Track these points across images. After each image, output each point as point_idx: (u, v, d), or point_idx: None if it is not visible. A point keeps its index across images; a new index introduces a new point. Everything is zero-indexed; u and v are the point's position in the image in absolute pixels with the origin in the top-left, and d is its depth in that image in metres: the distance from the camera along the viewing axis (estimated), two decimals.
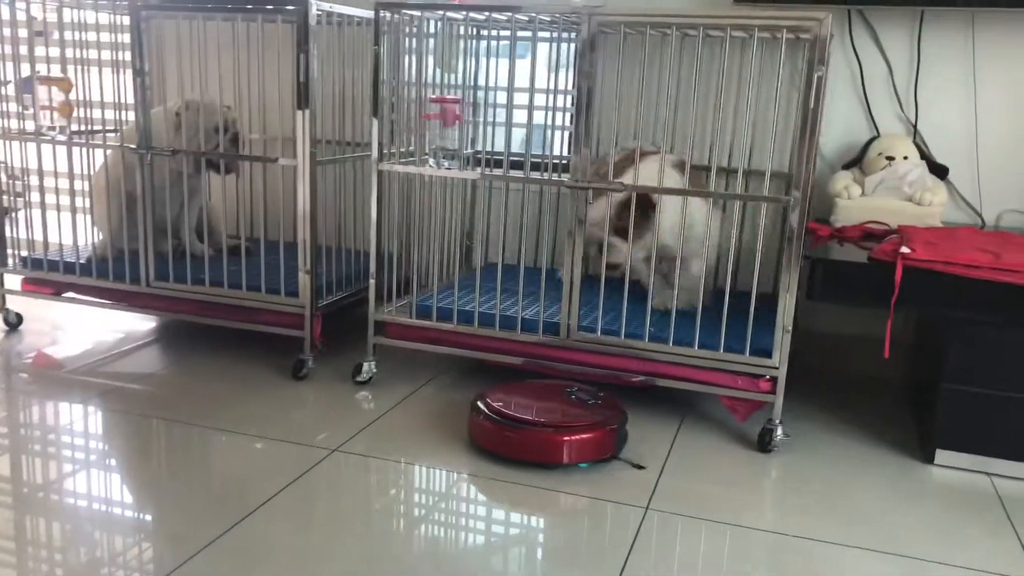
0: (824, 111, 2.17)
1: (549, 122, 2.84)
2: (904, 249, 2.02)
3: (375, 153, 2.35)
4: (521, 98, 2.47)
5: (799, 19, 2.02)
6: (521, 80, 2.38)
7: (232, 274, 2.54)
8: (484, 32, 2.70)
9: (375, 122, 2.33)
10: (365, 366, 2.44)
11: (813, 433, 2.27)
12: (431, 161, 2.32)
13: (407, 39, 2.37)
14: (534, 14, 2.23)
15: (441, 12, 2.34)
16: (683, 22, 2.18)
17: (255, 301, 2.49)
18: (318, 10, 2.34)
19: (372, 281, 2.41)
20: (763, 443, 2.15)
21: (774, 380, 2.13)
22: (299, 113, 2.34)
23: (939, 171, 2.47)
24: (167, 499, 1.79)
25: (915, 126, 2.59)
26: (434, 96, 2.30)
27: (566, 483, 1.93)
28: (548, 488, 1.91)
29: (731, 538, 1.74)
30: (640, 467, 2.02)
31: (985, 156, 2.56)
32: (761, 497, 1.92)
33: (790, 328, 2.10)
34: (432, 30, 2.47)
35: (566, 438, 1.98)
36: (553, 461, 1.99)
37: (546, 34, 2.76)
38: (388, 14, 2.29)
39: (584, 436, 1.99)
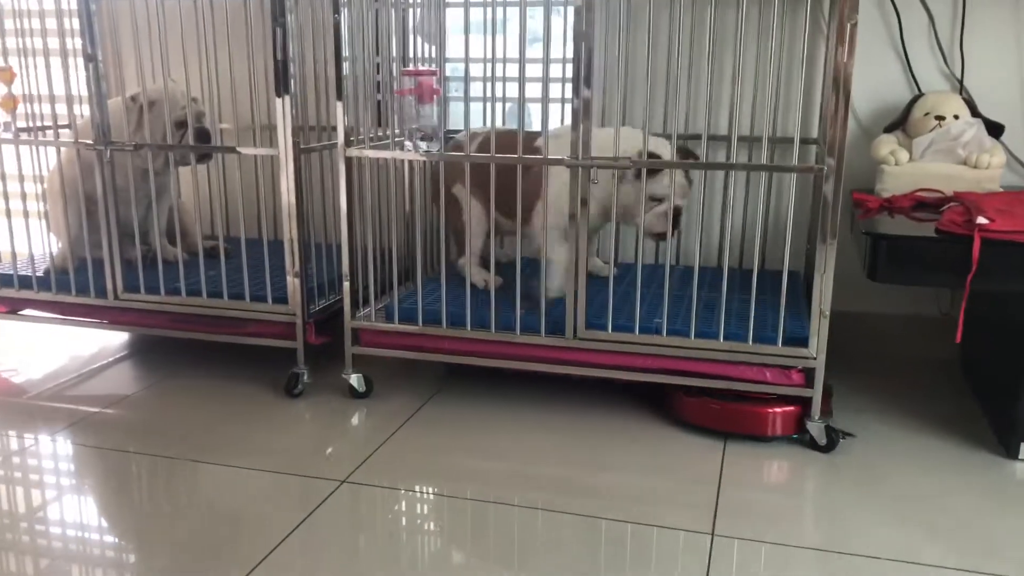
0: (856, 67, 1.91)
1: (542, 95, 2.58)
2: (981, 220, 1.77)
3: (341, 138, 2.06)
4: (511, 71, 2.17)
5: None
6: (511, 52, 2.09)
7: (211, 281, 2.26)
8: None
9: (339, 103, 2.04)
10: (354, 379, 2.17)
11: (869, 427, 2.04)
12: (407, 143, 2.04)
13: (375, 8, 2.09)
14: None
15: None
16: None
17: (239, 311, 2.21)
18: None
19: (346, 284, 2.14)
20: (815, 445, 1.91)
21: (809, 372, 1.89)
22: (279, 100, 2.06)
23: (994, 130, 2.23)
24: (152, 555, 1.52)
25: (961, 81, 2.35)
26: (408, 69, 2.01)
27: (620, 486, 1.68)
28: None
29: (806, 563, 1.50)
30: (850, 435, 1.94)
31: None
32: (829, 509, 1.68)
33: (828, 313, 1.86)
34: None
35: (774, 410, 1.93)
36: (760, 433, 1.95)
37: None
38: None
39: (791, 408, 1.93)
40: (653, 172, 1.98)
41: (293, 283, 2.15)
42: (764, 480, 1.78)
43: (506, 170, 2.01)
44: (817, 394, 1.89)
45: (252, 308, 2.20)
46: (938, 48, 2.35)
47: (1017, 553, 1.53)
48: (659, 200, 2.04)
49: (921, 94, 2.30)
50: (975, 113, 2.25)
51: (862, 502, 1.70)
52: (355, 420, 2.07)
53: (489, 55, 2.11)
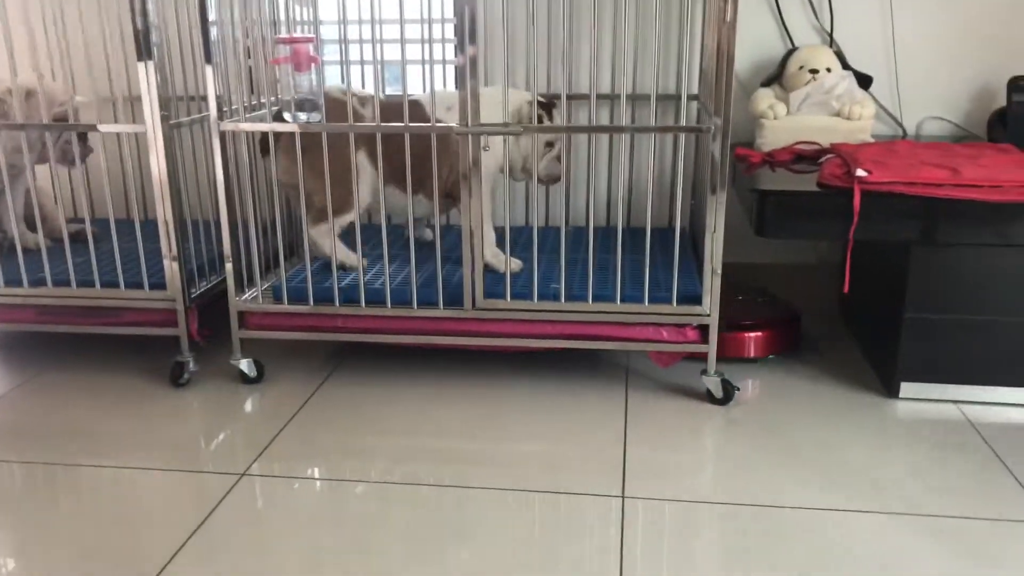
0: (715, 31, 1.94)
1: (426, 58, 2.51)
2: (860, 172, 1.83)
3: (213, 111, 1.94)
4: (391, 32, 2.09)
5: None
6: (390, 11, 2.00)
7: (80, 268, 2.10)
8: None
9: (209, 72, 1.92)
10: (244, 364, 2.08)
11: (759, 378, 2.11)
12: (285, 115, 1.94)
13: None
14: None
15: None
16: None
17: (113, 299, 2.07)
18: None
19: (228, 265, 2.03)
20: (712, 398, 1.96)
21: (704, 328, 1.94)
22: (141, 66, 1.91)
23: (864, 82, 2.31)
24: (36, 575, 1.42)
25: (831, 35, 2.41)
26: (282, 36, 1.91)
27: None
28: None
29: (714, 518, 1.54)
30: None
31: (903, 62, 2.42)
32: (731, 463, 1.73)
33: (719, 270, 1.90)
34: None
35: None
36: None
37: None
38: None
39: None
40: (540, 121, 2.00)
41: (171, 267, 2.02)
42: (667, 438, 1.82)
43: (419, 140, 1.94)
44: (712, 349, 1.93)
45: (128, 296, 2.06)
46: (808, 2, 2.41)
47: (904, 491, 1.61)
48: (551, 145, 2.11)
49: (795, 48, 2.36)
50: (845, 66, 2.33)
51: (760, 453, 1.75)
52: (248, 407, 1.98)
53: (366, 16, 2.02)
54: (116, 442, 1.82)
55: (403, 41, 1.87)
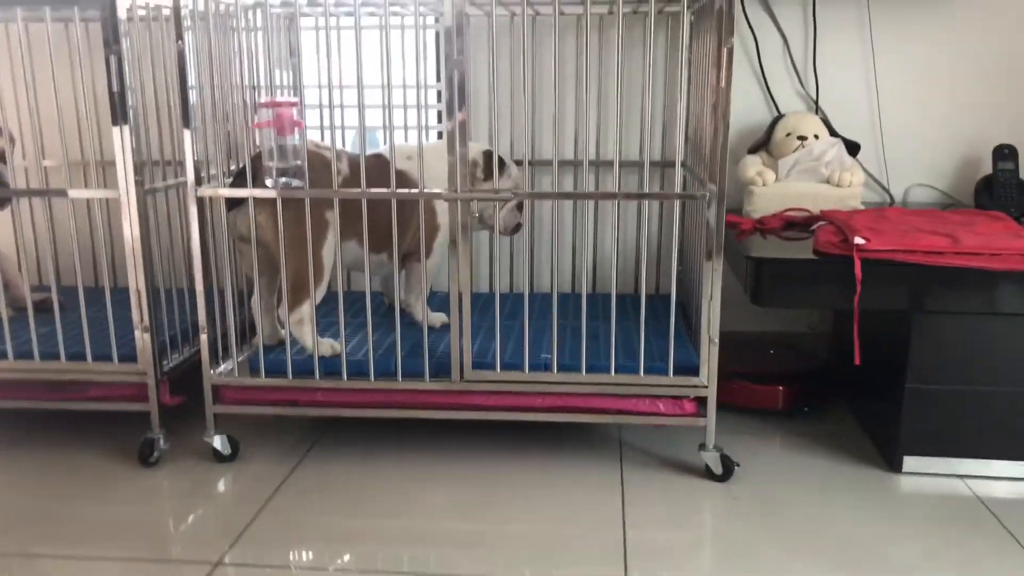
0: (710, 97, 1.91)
1: (412, 123, 2.47)
2: (858, 240, 1.80)
3: (191, 177, 1.86)
4: (374, 97, 2.06)
5: None
6: (372, 78, 1.95)
7: (44, 339, 1.99)
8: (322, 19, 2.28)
9: (188, 137, 1.84)
10: (218, 441, 1.97)
11: (756, 451, 2.03)
12: (267, 180, 1.87)
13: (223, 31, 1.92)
14: None
15: None
16: None
17: (79, 372, 1.96)
18: None
19: (203, 336, 1.93)
20: (712, 474, 1.88)
21: (702, 400, 1.87)
22: (116, 130, 1.84)
23: (851, 149, 2.30)
24: None
25: (816, 102, 2.41)
26: (265, 100, 1.85)
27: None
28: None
29: None
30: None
31: (889, 130, 2.42)
32: (735, 544, 1.64)
33: (717, 339, 1.84)
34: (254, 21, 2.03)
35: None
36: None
37: (398, 20, 2.38)
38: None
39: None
40: (500, 171, 2.09)
41: (142, 338, 1.92)
42: (667, 517, 1.73)
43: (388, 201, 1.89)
44: (711, 423, 1.86)
45: (95, 369, 1.95)
46: (793, 70, 2.41)
47: (914, 572, 1.54)
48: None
49: (782, 115, 2.35)
50: (833, 133, 2.32)
51: (764, 533, 1.67)
52: (222, 488, 1.86)
53: (346, 81, 1.98)
54: (77, 528, 1.69)
55: (388, 107, 1.83)
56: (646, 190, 1.81)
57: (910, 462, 1.89)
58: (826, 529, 1.68)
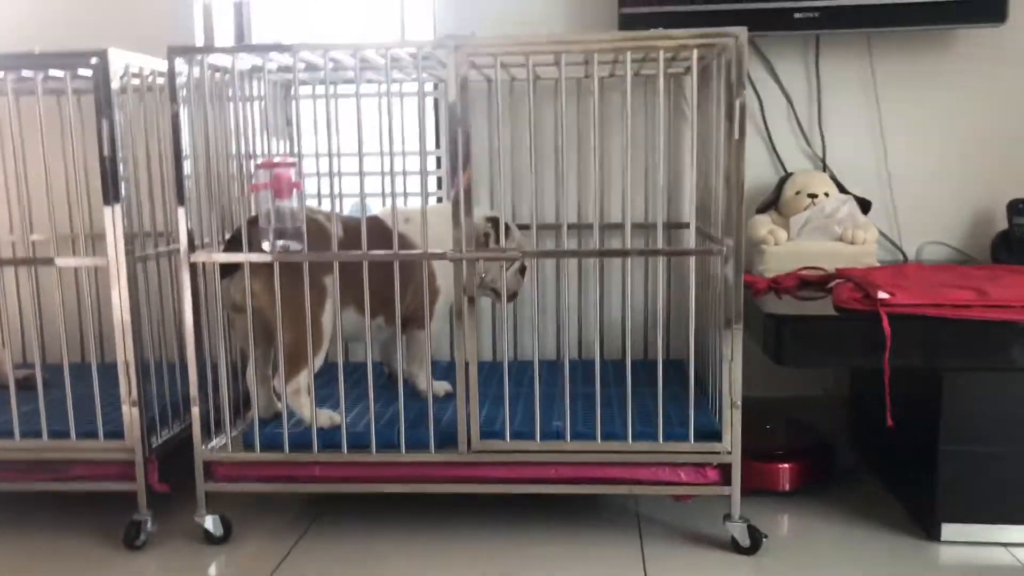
0: (724, 150, 1.87)
1: (412, 189, 2.42)
2: (882, 294, 1.72)
3: (184, 242, 1.79)
4: (373, 164, 2.01)
5: (710, 36, 1.69)
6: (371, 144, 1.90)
7: (26, 418, 1.88)
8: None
9: (181, 210, 1.77)
10: (209, 522, 1.84)
11: (781, 524, 1.91)
12: (263, 244, 1.80)
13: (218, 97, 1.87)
14: (386, 49, 1.76)
15: (262, 57, 1.81)
16: (573, 48, 1.77)
17: (63, 451, 1.84)
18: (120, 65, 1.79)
19: (195, 409, 1.82)
20: (738, 547, 1.76)
21: (725, 467, 1.76)
22: (108, 209, 1.77)
23: (863, 206, 2.24)
24: None
25: (823, 160, 2.37)
26: (263, 161, 1.79)
27: None
28: None
29: None
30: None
31: (899, 187, 2.37)
32: None
33: (739, 403, 1.75)
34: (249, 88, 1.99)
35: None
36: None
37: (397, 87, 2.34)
38: (187, 65, 1.78)
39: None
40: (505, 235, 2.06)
41: (130, 413, 1.82)
42: None
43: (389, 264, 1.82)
44: (735, 491, 1.75)
45: (79, 447, 1.84)
46: (799, 129, 2.38)
47: None
48: (512, 261, 2.10)
49: (790, 174, 2.30)
50: (842, 190, 2.27)
51: None
52: (214, 572, 1.73)
53: (345, 148, 1.92)
54: None
55: (391, 173, 1.77)
56: (660, 246, 1.74)
57: (949, 530, 1.78)
58: None
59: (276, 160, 1.72)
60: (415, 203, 2.13)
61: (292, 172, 1.74)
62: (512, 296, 2.17)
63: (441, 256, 1.75)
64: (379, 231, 1.92)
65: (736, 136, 1.66)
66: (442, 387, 2.09)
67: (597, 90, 1.75)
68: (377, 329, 1.98)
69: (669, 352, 2.42)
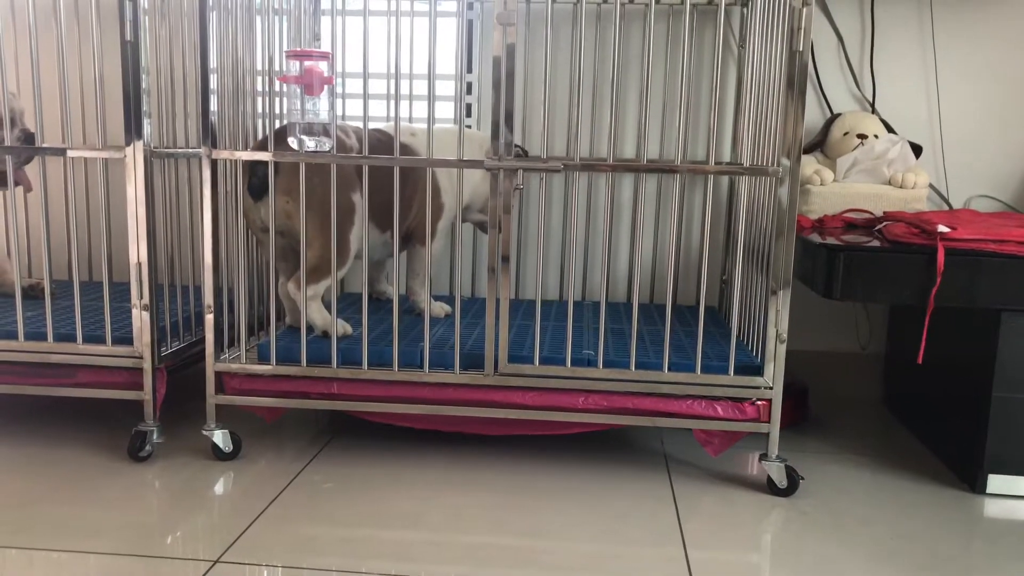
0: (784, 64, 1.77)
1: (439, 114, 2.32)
2: (942, 228, 1.63)
3: (206, 138, 1.68)
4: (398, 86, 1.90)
5: None
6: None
7: (31, 321, 1.80)
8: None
9: (205, 102, 1.66)
10: (218, 436, 1.76)
11: (822, 467, 1.83)
12: (291, 141, 1.71)
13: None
14: None
15: None
16: None
17: (68, 354, 1.76)
18: None
19: (209, 316, 1.73)
20: (774, 487, 1.68)
21: (763, 403, 1.67)
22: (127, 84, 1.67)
23: (914, 150, 2.14)
24: None
25: (872, 103, 2.26)
26: (293, 50, 1.66)
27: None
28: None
29: None
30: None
31: (950, 136, 2.26)
32: (816, 563, 1.43)
33: (785, 336, 1.65)
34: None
35: None
36: None
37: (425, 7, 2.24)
38: None
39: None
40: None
41: (140, 317, 1.72)
42: (732, 536, 1.51)
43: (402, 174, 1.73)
44: (774, 429, 1.66)
45: (85, 351, 1.75)
46: (849, 70, 2.27)
47: None
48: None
49: (838, 114, 2.19)
50: (893, 132, 2.16)
51: (846, 550, 1.46)
52: (220, 488, 1.64)
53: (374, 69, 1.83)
54: (59, 523, 1.47)
55: (432, 95, 1.67)
56: (710, 163, 1.64)
57: (995, 482, 1.69)
58: (910, 545, 1.47)
59: (309, 51, 1.61)
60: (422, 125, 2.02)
61: (325, 66, 1.63)
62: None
63: (478, 164, 1.65)
64: (387, 144, 1.86)
65: (799, 47, 1.55)
66: (442, 308, 2.03)
67: (652, 15, 1.64)
68: (384, 245, 1.91)
69: (698, 301, 2.34)
